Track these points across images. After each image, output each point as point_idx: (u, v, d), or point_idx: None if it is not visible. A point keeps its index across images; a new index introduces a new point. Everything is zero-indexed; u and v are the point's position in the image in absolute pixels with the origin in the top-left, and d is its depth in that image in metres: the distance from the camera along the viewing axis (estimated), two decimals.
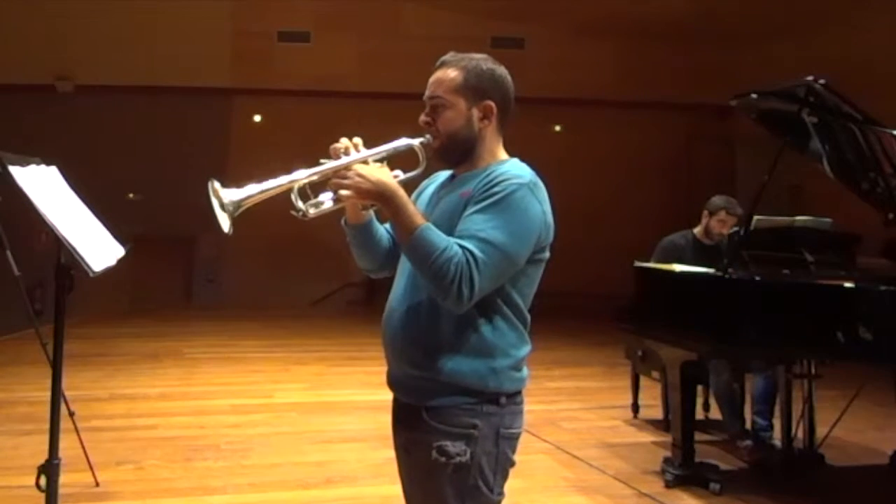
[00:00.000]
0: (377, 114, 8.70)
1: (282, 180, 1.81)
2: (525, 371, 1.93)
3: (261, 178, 1.81)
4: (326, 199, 1.86)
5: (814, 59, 9.15)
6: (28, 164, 3.23)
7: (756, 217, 4.01)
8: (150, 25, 10.79)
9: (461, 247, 1.75)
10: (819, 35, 10.03)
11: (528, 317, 1.93)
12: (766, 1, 9.95)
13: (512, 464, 1.92)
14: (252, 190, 1.78)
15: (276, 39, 11.69)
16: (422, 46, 11.14)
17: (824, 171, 4.36)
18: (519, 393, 1.91)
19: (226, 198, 1.76)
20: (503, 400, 1.87)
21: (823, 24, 9.91)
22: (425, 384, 1.85)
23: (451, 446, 1.83)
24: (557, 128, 12.45)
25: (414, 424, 1.88)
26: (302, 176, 1.82)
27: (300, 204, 1.83)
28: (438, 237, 1.76)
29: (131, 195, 11.21)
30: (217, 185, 1.78)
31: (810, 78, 3.79)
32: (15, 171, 3.08)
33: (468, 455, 1.83)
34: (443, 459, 1.83)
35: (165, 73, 10.91)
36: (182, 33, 11.02)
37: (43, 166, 3.37)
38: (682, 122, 12.24)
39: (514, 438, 1.91)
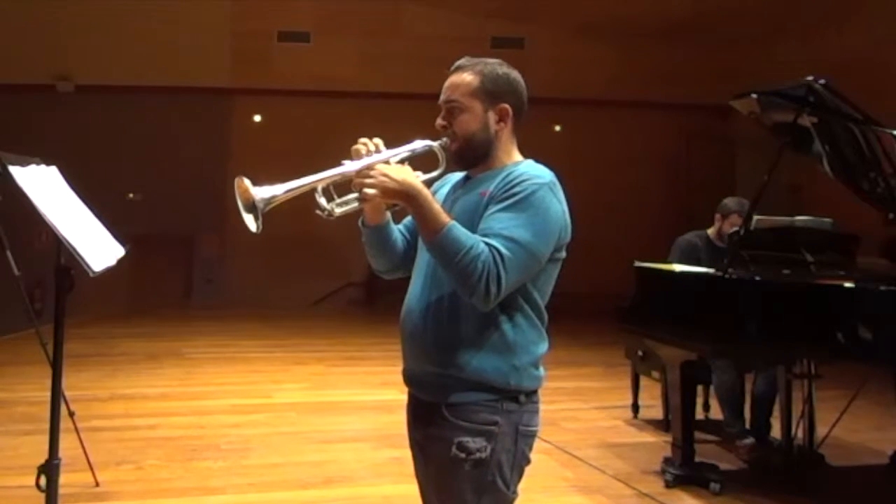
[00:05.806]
0: (377, 114, 8.69)
1: (307, 179, 1.82)
2: (542, 370, 1.96)
3: (284, 179, 1.81)
4: (352, 199, 1.88)
5: (814, 58, 9.15)
6: (28, 164, 3.23)
7: (756, 217, 4.01)
8: (150, 26, 10.77)
9: (487, 244, 1.77)
10: (819, 35, 10.02)
11: (546, 315, 1.96)
12: (766, 1, 9.94)
13: (528, 461, 1.95)
14: (282, 188, 1.79)
15: (276, 39, 11.69)
16: (422, 46, 11.21)
17: (824, 171, 4.35)
18: (536, 392, 1.95)
19: (257, 195, 1.76)
20: (522, 398, 1.90)
21: (824, 24, 9.91)
22: (447, 381, 1.88)
23: (472, 442, 1.85)
24: (557, 128, 12.43)
25: (433, 421, 1.90)
26: (326, 175, 1.84)
27: (325, 203, 1.86)
28: (465, 235, 1.78)
29: (131, 195, 11.19)
30: (247, 182, 1.78)
31: (810, 78, 3.79)
32: (15, 171, 3.08)
33: (488, 451, 1.85)
34: (462, 455, 1.85)
35: (165, 73, 10.90)
36: (182, 33, 11.01)
37: (43, 166, 3.37)
38: (682, 122, 12.22)
39: (531, 436, 1.94)
